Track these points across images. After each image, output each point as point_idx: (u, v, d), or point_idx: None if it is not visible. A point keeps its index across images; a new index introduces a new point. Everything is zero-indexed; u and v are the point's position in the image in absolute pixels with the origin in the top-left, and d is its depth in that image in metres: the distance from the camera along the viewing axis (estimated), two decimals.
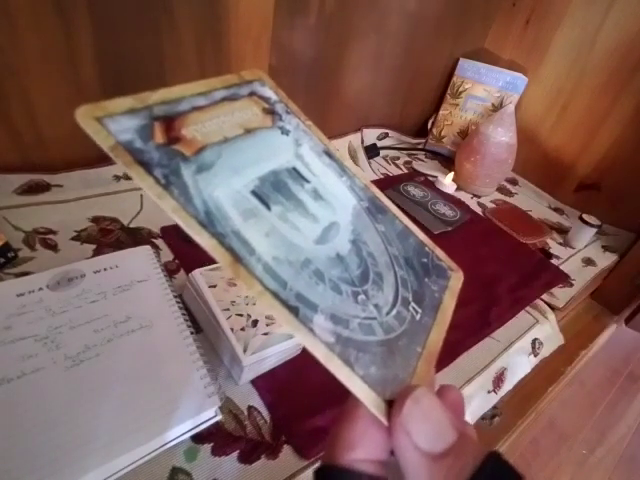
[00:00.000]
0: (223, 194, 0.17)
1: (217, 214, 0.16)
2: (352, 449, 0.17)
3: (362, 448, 0.17)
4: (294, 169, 0.21)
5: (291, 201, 0.20)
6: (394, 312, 0.20)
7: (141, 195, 0.58)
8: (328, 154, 0.24)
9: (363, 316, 0.19)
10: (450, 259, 0.26)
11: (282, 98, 0.24)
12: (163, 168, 0.16)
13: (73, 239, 0.51)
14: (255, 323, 0.40)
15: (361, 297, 0.19)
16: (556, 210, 0.91)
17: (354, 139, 0.86)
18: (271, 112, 0.23)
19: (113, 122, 0.15)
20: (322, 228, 0.20)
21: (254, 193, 0.19)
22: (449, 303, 0.24)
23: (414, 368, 0.19)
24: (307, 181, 0.22)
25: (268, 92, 0.24)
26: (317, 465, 0.19)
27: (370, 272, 0.21)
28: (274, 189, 0.20)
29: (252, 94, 0.22)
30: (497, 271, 0.65)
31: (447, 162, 0.97)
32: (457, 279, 0.26)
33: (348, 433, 0.17)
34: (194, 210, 0.16)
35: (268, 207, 0.19)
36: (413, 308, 0.21)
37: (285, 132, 0.23)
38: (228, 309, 0.40)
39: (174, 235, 0.54)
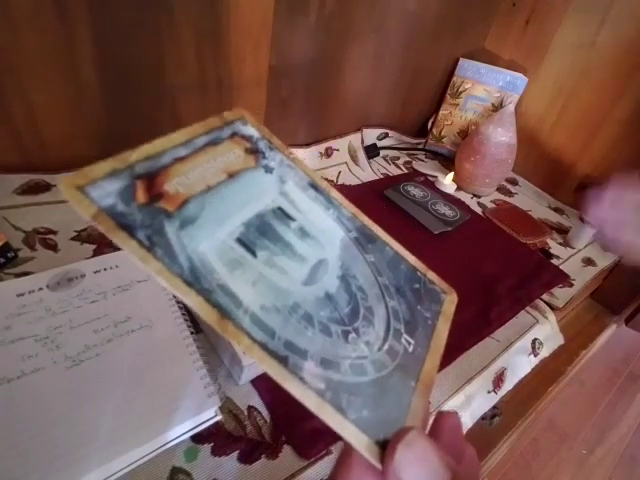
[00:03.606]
0: (208, 247, 0.17)
1: (202, 269, 0.16)
2: None
3: None
4: (279, 209, 0.21)
5: (277, 244, 0.20)
6: (386, 347, 0.20)
7: None
8: (314, 187, 0.24)
9: (354, 356, 0.18)
10: (443, 281, 0.26)
11: (265, 134, 0.24)
12: (146, 229, 0.16)
13: (73, 239, 0.51)
14: None
15: (352, 336, 0.19)
16: (556, 210, 0.91)
17: (354, 139, 0.86)
18: (254, 151, 0.23)
19: (95, 189, 0.15)
20: (310, 267, 0.20)
21: (239, 241, 0.18)
22: (443, 329, 0.23)
23: (408, 404, 0.18)
24: (293, 219, 0.21)
25: (250, 130, 0.23)
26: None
27: (360, 307, 0.21)
28: (260, 234, 0.19)
29: (234, 135, 0.22)
30: (497, 271, 0.65)
31: (447, 162, 0.97)
32: (450, 302, 0.25)
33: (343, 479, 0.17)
34: (179, 269, 0.15)
35: (254, 254, 0.18)
36: (405, 340, 0.21)
37: (269, 170, 0.23)
38: None
39: None
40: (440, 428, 0.19)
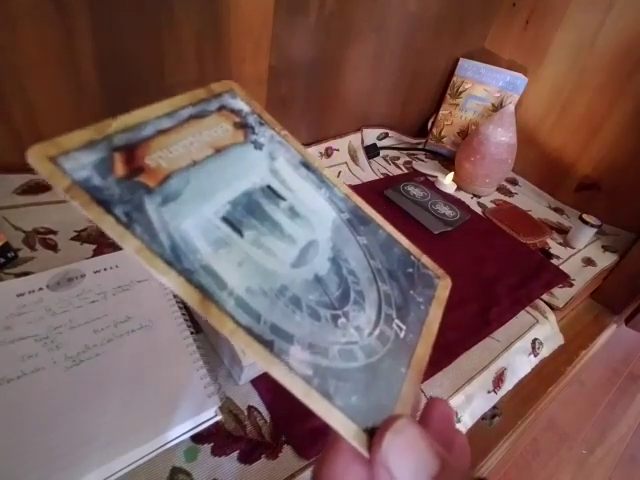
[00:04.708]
0: (192, 225, 0.16)
1: (184, 248, 0.15)
2: None
3: None
4: (269, 187, 0.20)
5: (266, 224, 0.19)
6: (377, 332, 0.19)
7: None
8: (305, 165, 0.23)
9: (343, 341, 0.18)
10: (437, 266, 0.25)
11: (255, 109, 0.23)
12: (125, 205, 0.15)
13: (73, 239, 0.51)
14: None
15: (341, 320, 0.18)
16: (556, 210, 0.91)
17: (354, 139, 0.86)
18: (243, 126, 0.21)
19: (68, 160, 0.14)
20: (299, 249, 0.19)
21: (225, 219, 0.17)
22: (436, 314, 0.22)
23: (398, 391, 0.18)
24: (283, 199, 0.20)
25: (239, 104, 0.22)
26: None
27: (351, 291, 0.20)
28: (247, 212, 0.18)
29: (222, 108, 0.21)
30: (497, 271, 0.65)
31: (447, 162, 0.97)
32: (444, 287, 0.24)
33: (330, 468, 0.17)
34: (159, 247, 0.15)
35: (241, 233, 0.18)
36: (397, 325, 0.20)
37: (258, 146, 0.21)
38: None
39: None
40: (430, 415, 0.18)
